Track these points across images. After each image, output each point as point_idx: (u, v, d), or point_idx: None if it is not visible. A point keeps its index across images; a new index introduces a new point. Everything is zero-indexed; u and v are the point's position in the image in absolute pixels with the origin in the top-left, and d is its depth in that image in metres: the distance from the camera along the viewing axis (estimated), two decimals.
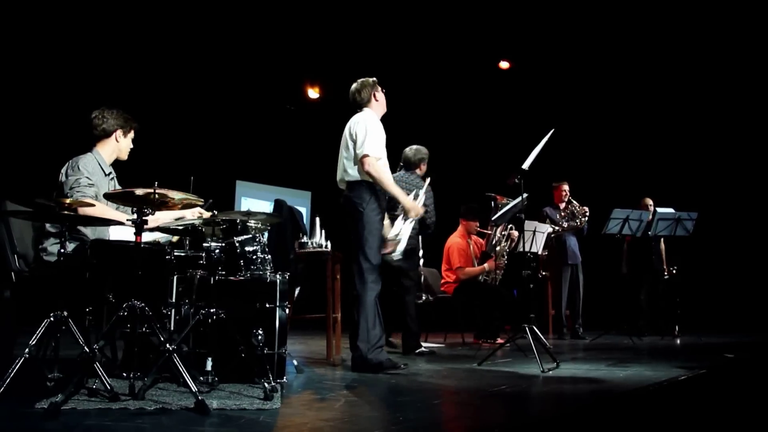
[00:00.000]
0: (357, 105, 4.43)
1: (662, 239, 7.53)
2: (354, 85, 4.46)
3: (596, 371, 4.14)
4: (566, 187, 7.65)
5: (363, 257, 4.10)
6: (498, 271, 6.51)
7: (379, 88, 4.48)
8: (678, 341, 6.77)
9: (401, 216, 4.36)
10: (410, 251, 5.25)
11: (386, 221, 4.40)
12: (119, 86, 7.37)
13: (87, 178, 3.60)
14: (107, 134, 3.80)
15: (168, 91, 8.14)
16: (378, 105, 4.45)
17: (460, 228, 6.93)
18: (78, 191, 3.55)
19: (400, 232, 4.28)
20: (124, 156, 3.92)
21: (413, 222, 4.41)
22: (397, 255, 4.27)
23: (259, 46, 8.77)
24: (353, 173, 4.22)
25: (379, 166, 4.16)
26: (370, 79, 4.48)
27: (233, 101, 9.03)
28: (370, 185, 4.18)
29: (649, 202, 7.61)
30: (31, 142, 6.91)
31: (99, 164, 3.75)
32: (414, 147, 5.72)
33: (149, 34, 7.78)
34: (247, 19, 8.40)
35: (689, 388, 3.71)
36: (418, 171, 5.62)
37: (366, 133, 4.18)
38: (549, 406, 3.06)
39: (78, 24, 7.26)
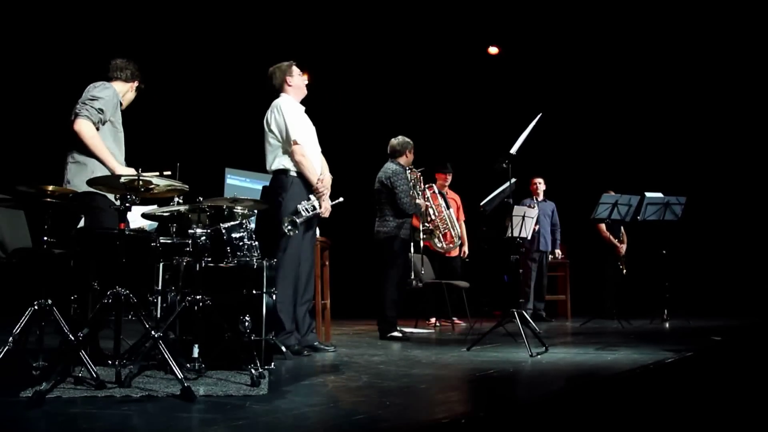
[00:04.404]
0: (274, 90, 4.43)
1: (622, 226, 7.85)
2: (269, 70, 4.45)
3: (584, 355, 4.16)
4: (540, 180, 8.10)
5: (278, 248, 4.14)
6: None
7: (295, 71, 4.43)
8: (667, 325, 6.82)
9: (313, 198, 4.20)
10: (392, 241, 5.47)
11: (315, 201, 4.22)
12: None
13: (101, 107, 3.68)
14: (126, 80, 3.97)
15: (156, 78, 8.05)
16: (293, 89, 4.42)
17: None
18: (86, 109, 3.62)
19: (302, 210, 4.11)
20: (125, 104, 4.02)
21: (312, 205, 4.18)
22: (288, 227, 3.98)
23: (248, 33, 8.69)
24: (272, 163, 4.28)
25: (305, 151, 4.20)
26: (284, 63, 4.45)
27: (222, 88, 8.95)
28: (288, 174, 4.22)
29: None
30: (10, 130, 6.85)
31: (117, 94, 3.86)
32: (399, 137, 5.82)
33: (138, 20, 7.70)
34: (236, 6, 8.33)
35: (676, 370, 3.73)
36: (401, 160, 5.73)
37: (284, 120, 4.21)
38: (535, 390, 3.07)
39: (62, 10, 7.18)
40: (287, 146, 4.21)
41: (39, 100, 6.92)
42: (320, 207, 4.20)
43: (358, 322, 6.44)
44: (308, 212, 4.11)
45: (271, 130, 4.28)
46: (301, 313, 4.28)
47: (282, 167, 4.24)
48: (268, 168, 4.34)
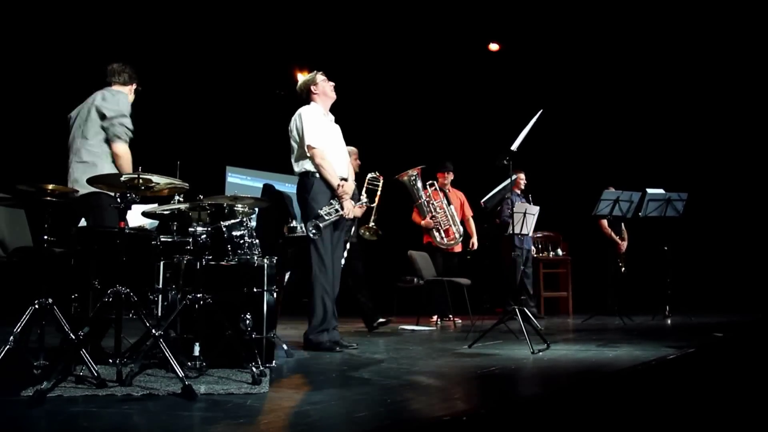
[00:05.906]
0: (304, 102, 4.60)
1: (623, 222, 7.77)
2: (297, 86, 4.65)
3: (586, 351, 4.15)
4: (522, 175, 7.86)
5: (310, 247, 4.28)
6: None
7: (319, 79, 4.57)
8: (668, 321, 6.80)
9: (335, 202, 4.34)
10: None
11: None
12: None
13: (130, 123, 3.78)
14: (124, 83, 4.00)
15: (157, 77, 8.04)
16: (319, 96, 4.57)
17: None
18: (124, 132, 3.73)
19: (325, 214, 4.24)
20: None
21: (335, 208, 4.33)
22: (312, 231, 4.13)
23: (249, 31, 8.67)
24: (297, 166, 4.45)
25: (324, 155, 4.34)
26: (310, 74, 4.63)
27: (223, 86, 8.95)
28: (311, 176, 4.36)
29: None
30: (10, 129, 6.85)
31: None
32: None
33: (139, 19, 7.69)
34: (237, 4, 8.31)
35: (678, 367, 3.72)
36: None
37: (301, 127, 4.38)
38: (536, 387, 3.07)
39: (63, 9, 7.17)
40: (305, 151, 4.37)
41: (39, 99, 6.91)
42: (342, 209, 4.31)
43: (360, 321, 6.43)
44: (330, 216, 4.23)
45: (292, 136, 4.47)
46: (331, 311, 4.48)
47: (305, 170, 4.41)
48: (294, 171, 4.50)
